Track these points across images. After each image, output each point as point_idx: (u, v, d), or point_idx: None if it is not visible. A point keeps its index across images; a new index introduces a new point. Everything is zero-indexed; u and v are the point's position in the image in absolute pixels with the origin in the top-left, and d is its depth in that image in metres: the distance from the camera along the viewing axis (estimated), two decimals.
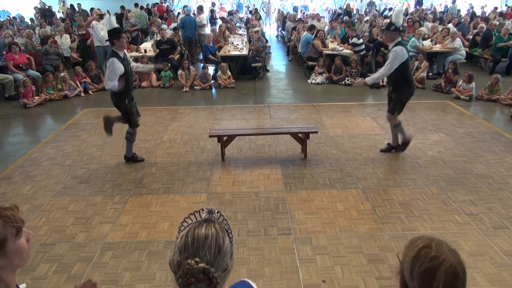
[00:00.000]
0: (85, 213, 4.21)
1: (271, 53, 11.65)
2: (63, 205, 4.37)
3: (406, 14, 14.67)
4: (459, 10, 17.16)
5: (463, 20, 13.78)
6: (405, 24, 11.39)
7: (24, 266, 1.31)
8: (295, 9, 19.61)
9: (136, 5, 15.13)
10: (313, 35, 10.59)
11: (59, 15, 16.25)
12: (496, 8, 17.05)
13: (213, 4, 19.07)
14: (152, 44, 10.74)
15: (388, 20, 12.22)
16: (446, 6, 19.35)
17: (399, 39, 5.05)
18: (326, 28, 12.86)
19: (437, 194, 4.48)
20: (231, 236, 1.18)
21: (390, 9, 18.58)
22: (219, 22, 15.13)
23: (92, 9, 12.70)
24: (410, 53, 6.15)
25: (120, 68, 4.78)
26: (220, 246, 1.12)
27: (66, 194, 4.63)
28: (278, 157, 5.55)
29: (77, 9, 14.98)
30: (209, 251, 1.09)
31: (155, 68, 5.89)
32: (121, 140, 6.06)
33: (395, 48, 4.96)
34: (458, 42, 10.04)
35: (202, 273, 1.05)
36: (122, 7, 14.32)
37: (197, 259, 1.07)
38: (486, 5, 18.34)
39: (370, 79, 5.45)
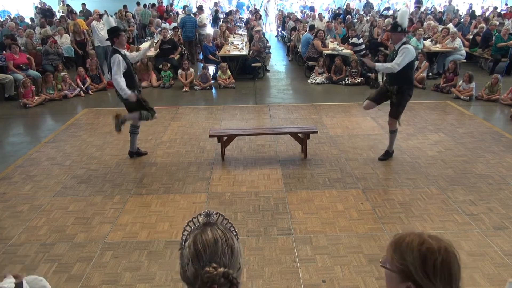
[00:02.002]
0: (85, 213, 4.22)
1: (271, 53, 11.65)
2: (63, 205, 4.37)
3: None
4: (458, 10, 17.16)
5: (463, 20, 13.77)
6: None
7: None
8: (311, 9, 19.63)
9: (138, 3, 15.10)
10: (313, 35, 10.60)
11: (59, 15, 16.23)
12: (496, 8, 17.05)
13: (216, 4, 19.02)
14: (156, 42, 10.72)
15: (388, 20, 12.28)
16: (445, 6, 19.36)
17: (405, 39, 5.03)
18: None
19: (437, 194, 4.48)
20: (235, 234, 1.17)
21: (388, 9, 18.60)
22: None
23: (81, 11, 12.64)
24: None
25: (123, 63, 4.84)
26: (232, 246, 1.11)
27: (66, 194, 4.63)
28: (278, 157, 5.55)
29: (81, 9, 14.95)
30: (224, 254, 1.08)
31: (151, 45, 5.98)
32: (121, 140, 6.06)
33: (406, 46, 4.89)
34: (458, 42, 10.03)
35: (223, 278, 1.04)
36: (124, 6, 14.29)
37: (214, 264, 1.05)
38: (489, 6, 18.33)
39: (381, 65, 5.12)
